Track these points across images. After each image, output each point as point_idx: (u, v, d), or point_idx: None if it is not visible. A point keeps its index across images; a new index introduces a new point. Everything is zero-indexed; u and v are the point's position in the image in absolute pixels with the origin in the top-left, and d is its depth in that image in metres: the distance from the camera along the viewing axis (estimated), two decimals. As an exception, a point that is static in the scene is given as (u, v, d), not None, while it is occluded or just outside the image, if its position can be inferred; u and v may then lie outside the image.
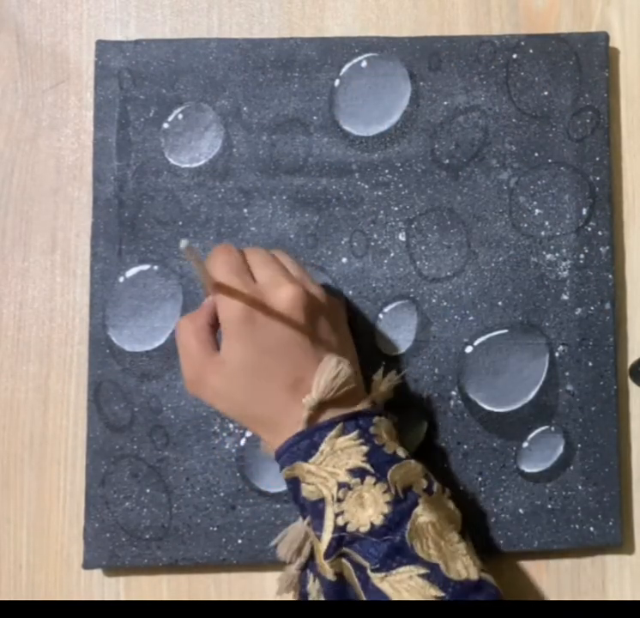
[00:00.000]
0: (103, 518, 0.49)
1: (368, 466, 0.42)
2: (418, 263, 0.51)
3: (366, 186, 0.51)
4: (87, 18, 0.53)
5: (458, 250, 0.51)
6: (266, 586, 0.50)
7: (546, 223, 0.51)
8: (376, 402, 0.46)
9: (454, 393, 0.50)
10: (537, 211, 0.51)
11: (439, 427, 0.50)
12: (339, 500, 0.42)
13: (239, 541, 0.49)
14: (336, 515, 0.42)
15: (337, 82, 0.52)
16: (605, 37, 0.52)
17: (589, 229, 0.51)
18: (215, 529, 0.49)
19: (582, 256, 0.51)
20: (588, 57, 0.52)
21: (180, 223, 0.51)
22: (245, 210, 0.51)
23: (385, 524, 0.42)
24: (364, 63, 0.52)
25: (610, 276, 0.51)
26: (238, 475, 0.49)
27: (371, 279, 0.51)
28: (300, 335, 0.44)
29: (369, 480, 0.42)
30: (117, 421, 0.49)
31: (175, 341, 0.50)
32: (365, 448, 0.43)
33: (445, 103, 0.52)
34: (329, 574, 0.42)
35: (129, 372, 0.50)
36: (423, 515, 0.42)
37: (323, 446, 0.43)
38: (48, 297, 0.51)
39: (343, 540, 0.42)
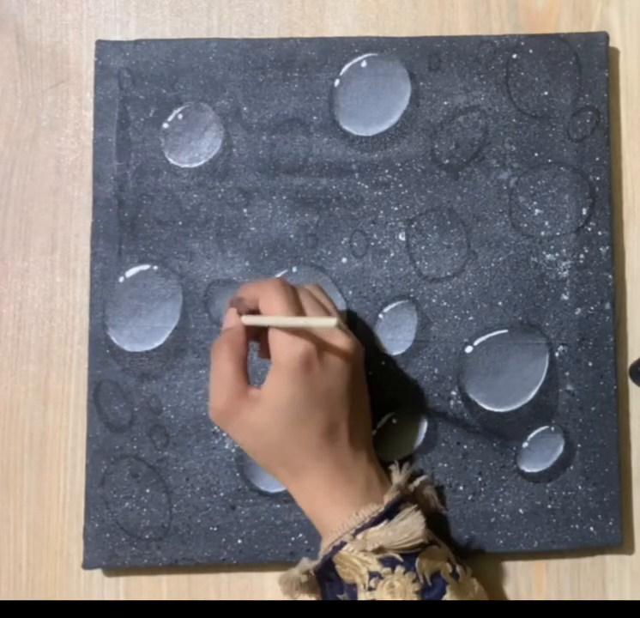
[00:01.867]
0: (103, 518, 0.49)
1: (397, 555, 0.43)
2: (418, 263, 0.51)
3: (366, 186, 0.51)
4: (87, 18, 0.53)
5: (458, 250, 0.51)
6: (266, 586, 0.50)
7: (546, 223, 0.51)
8: (401, 488, 0.46)
9: (454, 393, 0.50)
10: (537, 211, 0.51)
11: (439, 427, 0.50)
12: (370, 589, 0.43)
13: (239, 541, 0.49)
14: None
15: (337, 82, 0.52)
16: (605, 37, 0.52)
17: (589, 229, 0.51)
18: (215, 529, 0.49)
19: (582, 256, 0.51)
20: (588, 57, 0.52)
21: (180, 223, 0.51)
22: (245, 210, 0.51)
23: None
24: (364, 63, 0.52)
25: (610, 276, 0.51)
26: (238, 475, 0.49)
27: (371, 279, 0.51)
28: (343, 384, 0.44)
29: (399, 569, 0.43)
30: (117, 421, 0.49)
31: (174, 341, 0.50)
32: None
33: (445, 103, 0.52)
34: None
35: (129, 372, 0.50)
36: None
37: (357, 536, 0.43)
38: (48, 297, 0.51)
39: None
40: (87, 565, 0.49)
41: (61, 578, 0.50)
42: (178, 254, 0.51)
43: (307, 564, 0.44)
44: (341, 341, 0.44)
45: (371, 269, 0.51)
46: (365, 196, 0.51)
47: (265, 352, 0.46)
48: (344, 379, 0.44)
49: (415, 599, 0.42)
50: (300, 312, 0.44)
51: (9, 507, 0.50)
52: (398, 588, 0.42)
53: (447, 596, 0.43)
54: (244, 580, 0.50)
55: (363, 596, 0.43)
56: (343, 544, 0.43)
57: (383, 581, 0.43)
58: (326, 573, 0.44)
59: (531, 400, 0.50)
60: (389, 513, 0.44)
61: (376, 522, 0.44)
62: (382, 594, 0.42)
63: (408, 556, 0.43)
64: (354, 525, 0.43)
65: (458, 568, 0.45)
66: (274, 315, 0.43)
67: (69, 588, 0.50)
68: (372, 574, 0.43)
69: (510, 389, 0.50)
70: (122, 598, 0.49)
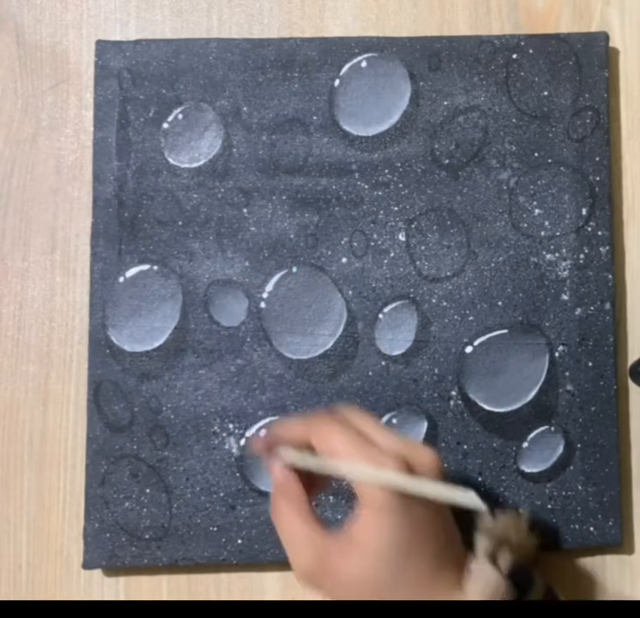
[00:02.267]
0: (103, 518, 0.49)
1: None
2: (418, 263, 0.51)
3: (366, 186, 0.51)
4: (87, 18, 0.53)
5: (458, 250, 0.51)
6: (266, 586, 0.50)
7: (546, 223, 0.51)
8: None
9: (454, 393, 0.50)
10: (537, 211, 0.51)
11: (439, 427, 0.50)
12: None
13: (239, 541, 0.49)
14: None
15: (337, 82, 0.52)
16: (605, 37, 0.52)
17: (589, 229, 0.51)
18: (215, 529, 0.49)
19: (582, 256, 0.51)
20: (588, 57, 0.52)
21: (180, 223, 0.51)
22: (245, 210, 0.51)
23: None
24: (364, 63, 0.52)
25: (610, 276, 0.51)
26: (238, 475, 0.49)
27: (371, 279, 0.51)
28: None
29: None
30: (117, 421, 0.49)
31: (174, 341, 0.50)
32: None
33: (445, 103, 0.52)
34: None
35: (129, 372, 0.50)
36: None
37: None
38: (48, 297, 0.51)
39: None
40: (87, 565, 0.49)
41: (61, 578, 0.50)
42: (178, 254, 0.51)
43: None
44: (427, 454, 0.39)
45: (371, 269, 0.51)
46: (365, 196, 0.51)
47: (319, 486, 0.42)
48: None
49: None
50: (367, 441, 0.39)
51: (8, 507, 0.50)
52: None
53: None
54: (244, 580, 0.50)
55: None
56: None
57: None
58: None
59: (531, 400, 0.50)
60: None
61: None
62: None
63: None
64: None
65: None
66: (341, 453, 0.38)
67: (69, 588, 0.50)
68: None
69: (510, 389, 0.50)
70: (122, 598, 0.50)
